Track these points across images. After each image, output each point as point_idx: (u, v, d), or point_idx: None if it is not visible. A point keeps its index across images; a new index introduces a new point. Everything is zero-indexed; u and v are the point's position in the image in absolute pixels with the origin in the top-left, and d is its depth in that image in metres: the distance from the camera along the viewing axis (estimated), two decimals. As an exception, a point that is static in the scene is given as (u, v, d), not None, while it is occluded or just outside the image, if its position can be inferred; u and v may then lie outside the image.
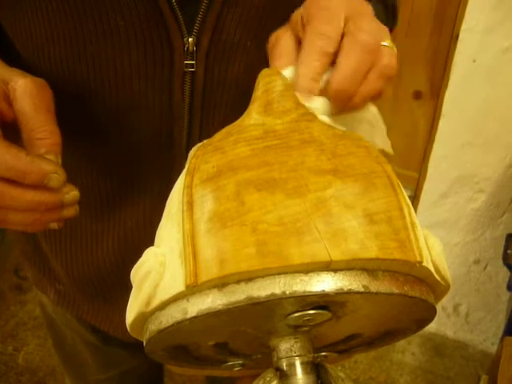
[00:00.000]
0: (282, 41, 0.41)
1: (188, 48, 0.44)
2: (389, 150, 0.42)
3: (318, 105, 0.37)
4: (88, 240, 0.58)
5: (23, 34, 0.45)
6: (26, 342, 1.70)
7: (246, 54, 0.46)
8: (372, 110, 0.41)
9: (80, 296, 0.64)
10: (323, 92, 0.38)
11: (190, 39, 0.44)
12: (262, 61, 0.41)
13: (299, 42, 0.40)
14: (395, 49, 0.39)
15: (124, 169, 0.53)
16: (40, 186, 0.37)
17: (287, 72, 0.39)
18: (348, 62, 0.37)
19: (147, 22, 0.42)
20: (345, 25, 0.38)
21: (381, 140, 0.42)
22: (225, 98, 0.49)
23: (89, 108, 0.48)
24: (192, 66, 0.45)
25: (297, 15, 0.41)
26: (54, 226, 0.41)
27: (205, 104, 0.48)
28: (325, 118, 0.37)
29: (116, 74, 0.45)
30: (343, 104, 0.38)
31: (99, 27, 0.42)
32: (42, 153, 0.38)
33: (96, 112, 0.48)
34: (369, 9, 0.40)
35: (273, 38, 0.42)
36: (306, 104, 0.37)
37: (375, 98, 0.40)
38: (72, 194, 0.39)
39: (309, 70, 0.37)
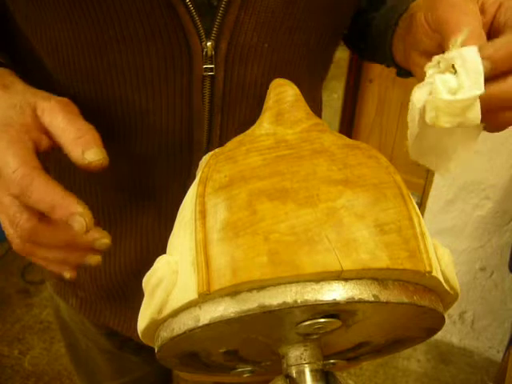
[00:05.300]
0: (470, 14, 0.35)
1: (207, 52, 0.45)
2: None
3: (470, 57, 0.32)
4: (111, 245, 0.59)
5: (50, 46, 0.46)
6: (31, 345, 1.71)
7: (264, 56, 0.47)
8: None
9: (101, 301, 0.65)
10: None
11: (209, 43, 0.44)
12: (279, 63, 0.40)
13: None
14: None
15: (144, 172, 0.54)
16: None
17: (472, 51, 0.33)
18: None
19: (166, 28, 0.43)
20: None
21: None
22: (244, 101, 0.49)
23: (110, 113, 0.49)
24: (211, 69, 0.45)
25: None
26: (67, 274, 0.41)
27: (224, 107, 0.49)
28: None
29: (137, 78, 0.46)
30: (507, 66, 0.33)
31: (119, 34, 0.43)
32: (86, 149, 0.38)
33: (117, 116, 0.49)
34: None
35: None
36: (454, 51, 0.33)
37: None
38: (103, 241, 0.39)
39: None
